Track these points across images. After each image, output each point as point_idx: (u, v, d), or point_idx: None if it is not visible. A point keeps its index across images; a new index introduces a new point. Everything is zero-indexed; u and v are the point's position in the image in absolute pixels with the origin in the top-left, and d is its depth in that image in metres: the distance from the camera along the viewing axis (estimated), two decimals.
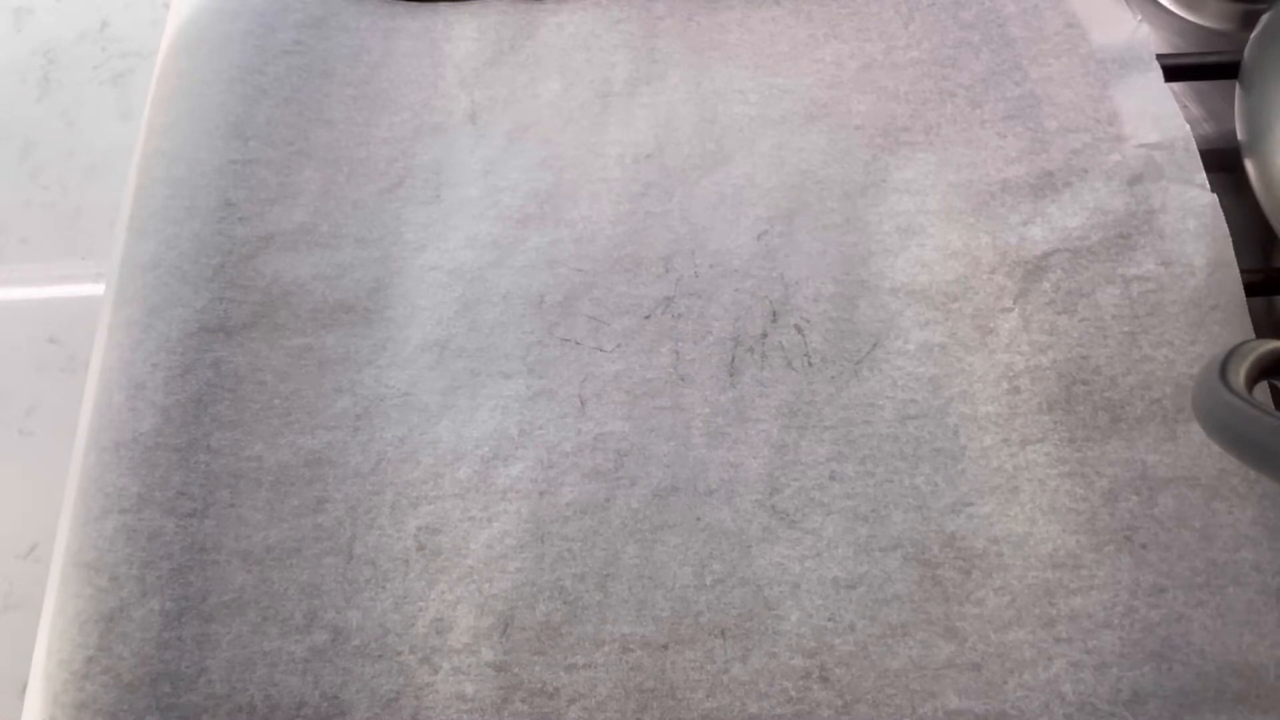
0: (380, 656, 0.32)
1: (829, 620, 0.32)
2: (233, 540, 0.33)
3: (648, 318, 0.37)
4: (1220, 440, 0.26)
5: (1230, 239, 0.36)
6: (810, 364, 0.36)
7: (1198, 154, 0.38)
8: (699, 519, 0.34)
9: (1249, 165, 0.37)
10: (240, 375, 0.36)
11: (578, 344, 0.37)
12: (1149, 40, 0.40)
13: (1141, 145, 0.38)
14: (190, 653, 0.32)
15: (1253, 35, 0.39)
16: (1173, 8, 0.46)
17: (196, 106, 0.40)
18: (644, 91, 0.41)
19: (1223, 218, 0.36)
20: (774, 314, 0.37)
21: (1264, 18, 0.39)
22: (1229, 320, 0.35)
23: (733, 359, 0.36)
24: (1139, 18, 0.41)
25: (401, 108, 0.41)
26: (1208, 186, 0.37)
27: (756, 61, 0.42)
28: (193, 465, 0.34)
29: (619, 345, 0.36)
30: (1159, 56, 0.40)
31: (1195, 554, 0.32)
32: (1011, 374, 0.35)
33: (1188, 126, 0.38)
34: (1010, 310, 0.36)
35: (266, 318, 0.37)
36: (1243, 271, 0.36)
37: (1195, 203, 0.37)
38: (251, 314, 0.37)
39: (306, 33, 0.42)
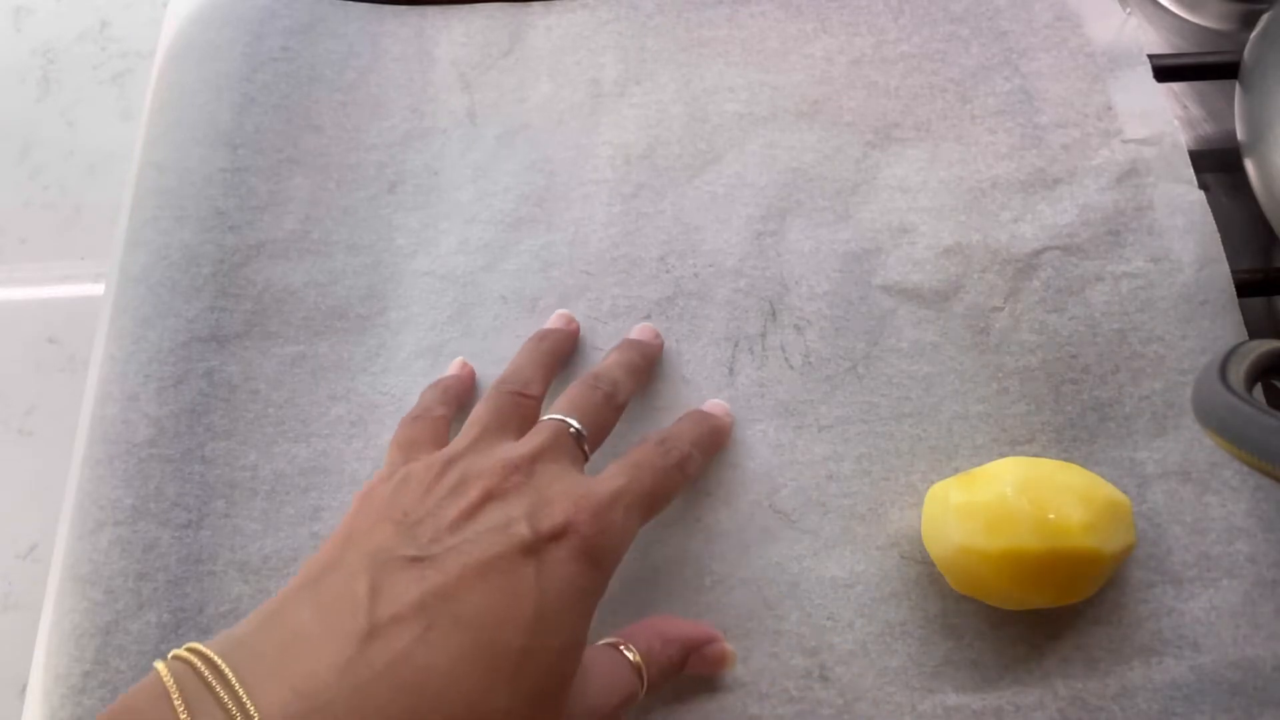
0: None
1: (828, 619, 0.31)
2: (229, 550, 0.31)
3: (646, 319, 0.35)
4: (1220, 439, 0.24)
5: (1218, 234, 0.34)
6: (809, 363, 0.34)
7: (1185, 149, 0.36)
8: (698, 519, 0.32)
9: (1249, 165, 0.36)
10: (233, 384, 0.34)
11: None
12: (1138, 33, 0.38)
13: (1130, 140, 0.36)
14: None
15: (1253, 35, 0.38)
16: (1172, 7, 0.44)
17: (186, 116, 0.38)
18: (634, 91, 0.39)
19: (1210, 213, 0.35)
20: (773, 313, 0.35)
21: (1264, 18, 0.38)
22: (1219, 315, 0.34)
23: (732, 359, 0.34)
24: (1129, 10, 0.39)
25: (390, 113, 0.39)
26: (1195, 182, 0.35)
27: (746, 58, 0.40)
28: (187, 476, 0.32)
29: None
30: (1160, 56, 0.38)
31: (1186, 548, 0.31)
32: (1001, 374, 0.34)
33: (1176, 121, 0.37)
34: (1001, 309, 0.34)
35: (259, 326, 0.35)
36: (1242, 271, 0.34)
37: (1183, 199, 0.35)
38: (244, 323, 0.35)
39: (294, 39, 0.39)
